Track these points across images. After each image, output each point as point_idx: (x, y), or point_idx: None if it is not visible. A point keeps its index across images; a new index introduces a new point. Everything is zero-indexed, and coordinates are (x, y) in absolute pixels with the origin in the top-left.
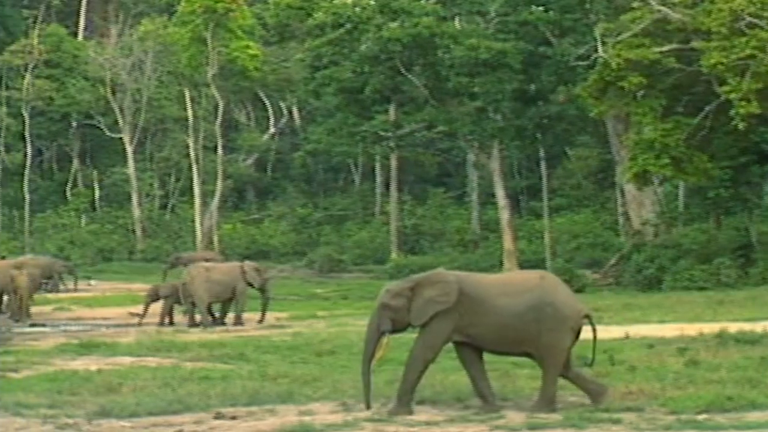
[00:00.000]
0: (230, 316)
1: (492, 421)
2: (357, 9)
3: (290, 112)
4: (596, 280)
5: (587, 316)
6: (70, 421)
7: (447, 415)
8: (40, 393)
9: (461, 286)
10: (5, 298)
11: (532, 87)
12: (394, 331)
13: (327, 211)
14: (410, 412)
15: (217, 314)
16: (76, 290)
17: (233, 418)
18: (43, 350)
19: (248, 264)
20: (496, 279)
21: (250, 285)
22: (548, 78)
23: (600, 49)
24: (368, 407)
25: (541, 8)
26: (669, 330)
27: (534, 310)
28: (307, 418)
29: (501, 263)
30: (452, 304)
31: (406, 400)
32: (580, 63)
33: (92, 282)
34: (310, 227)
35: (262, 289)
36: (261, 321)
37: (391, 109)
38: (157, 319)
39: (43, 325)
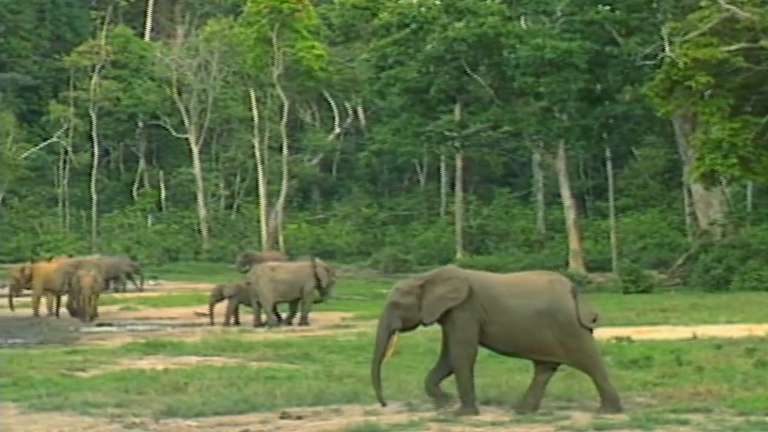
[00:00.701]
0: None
1: (558, 421)
2: (422, 9)
3: (355, 112)
4: (663, 280)
5: (595, 320)
6: (137, 420)
7: (513, 415)
8: (107, 392)
9: (472, 283)
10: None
11: (598, 87)
12: (405, 329)
13: (392, 211)
14: (476, 412)
15: (284, 314)
16: (141, 290)
17: (299, 417)
18: (110, 350)
19: (320, 263)
20: (507, 279)
21: (318, 284)
22: (614, 77)
23: (667, 48)
24: (383, 403)
25: (607, 7)
26: (737, 331)
27: (545, 315)
28: (372, 418)
29: (567, 263)
30: (463, 300)
31: (469, 400)
32: (647, 62)
33: (151, 282)
34: (375, 227)
35: (325, 290)
36: (304, 322)
37: (457, 109)
38: (222, 319)
39: (110, 325)
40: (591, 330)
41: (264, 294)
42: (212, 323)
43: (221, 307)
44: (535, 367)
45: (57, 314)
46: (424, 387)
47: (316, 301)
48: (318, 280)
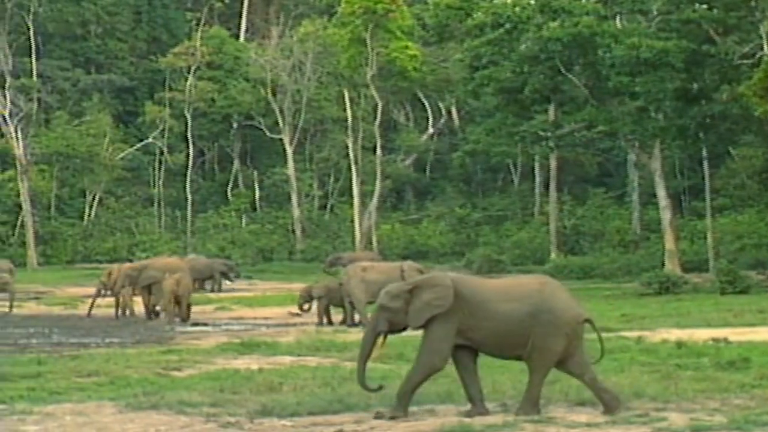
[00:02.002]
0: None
1: (654, 423)
2: (517, 9)
3: (449, 113)
4: (761, 281)
5: (588, 321)
6: (232, 419)
7: (607, 416)
8: (202, 391)
9: (459, 290)
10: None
11: (695, 86)
12: (391, 332)
13: (486, 211)
14: (406, 414)
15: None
16: (220, 290)
17: (392, 418)
18: (205, 349)
19: (408, 264)
20: (497, 284)
21: None
22: (711, 77)
23: (765, 47)
24: (369, 388)
25: (704, 6)
26: None
27: (532, 316)
28: (466, 419)
29: (662, 264)
30: (448, 308)
31: (405, 401)
32: (745, 61)
33: (228, 282)
34: (469, 227)
35: None
36: None
37: (551, 108)
38: (315, 319)
39: (205, 325)
40: (578, 332)
41: (355, 294)
42: (321, 323)
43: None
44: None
45: (151, 315)
46: (468, 399)
47: None
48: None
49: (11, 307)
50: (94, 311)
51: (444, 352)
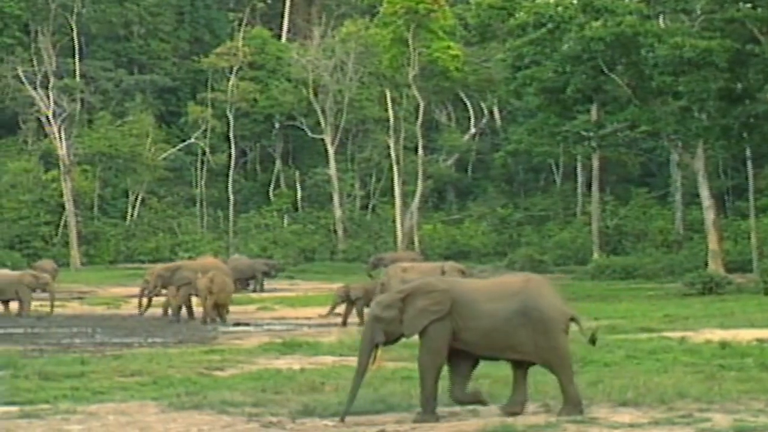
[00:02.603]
0: None
1: (698, 423)
2: (559, 8)
3: (491, 113)
4: None
5: (573, 319)
6: (274, 419)
7: (651, 417)
8: (244, 391)
9: (453, 294)
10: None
11: (739, 85)
12: (387, 342)
13: (527, 211)
14: (436, 419)
15: None
16: (262, 290)
17: (420, 421)
18: (247, 349)
19: (449, 264)
20: (484, 284)
21: None
22: (755, 76)
23: None
24: (343, 420)
25: (748, 5)
26: None
27: (520, 314)
28: (509, 419)
29: (706, 264)
30: (446, 312)
31: (430, 408)
32: None
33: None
34: (511, 227)
35: None
36: None
37: (593, 108)
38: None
39: (247, 325)
40: (566, 331)
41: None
42: (362, 323)
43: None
44: (511, 366)
45: (192, 315)
46: (453, 400)
47: None
48: None
49: (52, 307)
50: (136, 311)
51: (442, 350)
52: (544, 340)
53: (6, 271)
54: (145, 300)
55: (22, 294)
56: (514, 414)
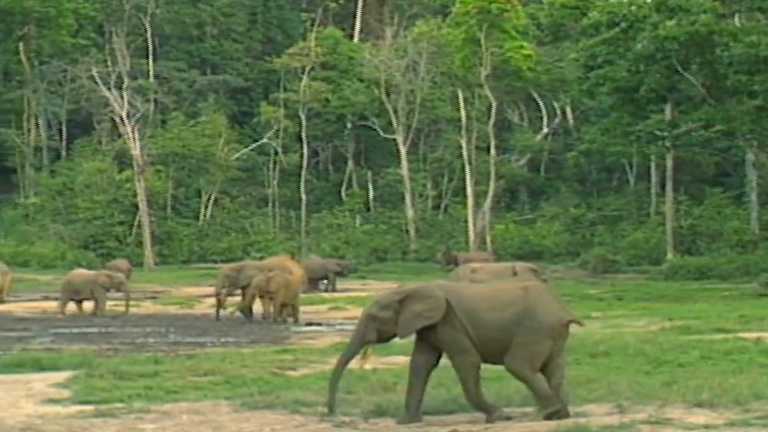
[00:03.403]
0: None
1: None
2: (633, 7)
3: (563, 112)
4: None
5: (572, 322)
6: (347, 419)
7: (726, 418)
8: (317, 391)
9: (450, 300)
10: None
11: None
12: (378, 341)
13: (600, 211)
14: (492, 413)
15: None
16: (334, 290)
17: (507, 418)
18: (319, 349)
19: (520, 265)
20: (482, 292)
21: None
22: None
23: None
24: (331, 411)
25: None
26: None
27: (516, 324)
28: (582, 420)
29: None
30: (439, 319)
31: (482, 406)
32: None
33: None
34: (584, 227)
35: None
36: None
37: (667, 108)
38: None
39: (319, 324)
40: (563, 334)
41: None
42: None
43: None
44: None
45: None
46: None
47: None
48: None
49: (127, 307)
50: (210, 311)
51: (468, 347)
52: (521, 345)
53: (82, 271)
54: (224, 299)
55: (97, 294)
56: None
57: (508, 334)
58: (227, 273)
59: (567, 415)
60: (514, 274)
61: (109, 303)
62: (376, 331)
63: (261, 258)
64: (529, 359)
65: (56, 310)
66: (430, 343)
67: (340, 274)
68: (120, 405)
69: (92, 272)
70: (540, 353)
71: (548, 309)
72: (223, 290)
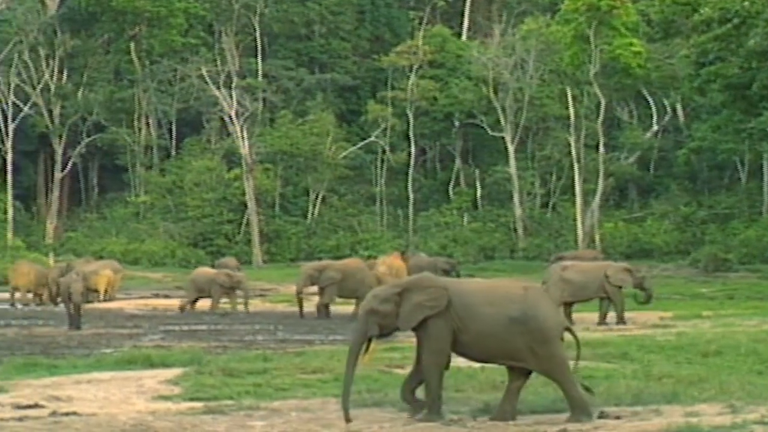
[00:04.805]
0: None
1: None
2: (745, 3)
3: (674, 110)
4: None
5: (568, 329)
6: (455, 417)
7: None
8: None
9: (451, 292)
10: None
11: None
12: (381, 335)
13: (711, 209)
14: (442, 417)
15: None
16: None
17: (617, 417)
18: None
19: (614, 265)
20: (481, 287)
21: (618, 287)
22: None
23: None
24: (347, 417)
25: None
26: None
27: (518, 322)
28: (693, 420)
29: None
30: (442, 309)
31: (436, 408)
32: None
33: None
34: (694, 226)
35: (642, 288)
36: (601, 321)
37: None
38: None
39: None
40: (561, 339)
41: (552, 293)
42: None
43: None
44: (508, 373)
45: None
46: (399, 395)
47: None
48: (615, 284)
49: (246, 305)
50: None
51: (445, 350)
52: (542, 349)
53: (205, 269)
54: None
55: (213, 292)
56: (503, 420)
57: (505, 331)
58: (309, 272)
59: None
60: (606, 278)
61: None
62: (378, 325)
63: (369, 257)
64: (555, 361)
65: (167, 307)
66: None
67: (448, 272)
68: (229, 402)
69: (213, 270)
70: (562, 354)
71: (548, 311)
72: (304, 290)
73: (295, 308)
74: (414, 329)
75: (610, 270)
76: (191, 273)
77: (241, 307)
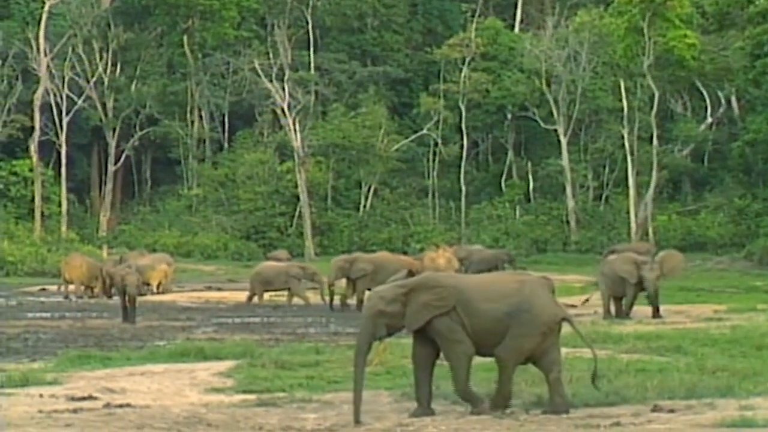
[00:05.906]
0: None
1: None
2: None
3: (728, 102)
4: None
5: (565, 319)
6: (508, 410)
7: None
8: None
9: (457, 289)
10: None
11: None
12: (388, 335)
13: (766, 202)
14: (479, 406)
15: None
16: None
17: (671, 411)
18: None
19: (639, 259)
20: (479, 282)
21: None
22: None
23: None
24: (357, 420)
25: None
26: None
27: (510, 316)
28: (748, 413)
29: None
30: (450, 308)
31: (472, 398)
32: None
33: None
34: (749, 218)
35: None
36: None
37: None
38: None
39: None
40: (554, 330)
41: (600, 286)
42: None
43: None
44: (537, 368)
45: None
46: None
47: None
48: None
49: (323, 296)
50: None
51: (463, 339)
52: (513, 340)
53: (273, 263)
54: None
55: (292, 285)
56: (556, 413)
57: (502, 326)
58: (340, 265)
59: (566, 411)
60: (637, 266)
61: (269, 294)
62: (386, 326)
63: (421, 249)
64: (517, 352)
65: (220, 299)
66: (428, 334)
67: (510, 264)
68: (282, 394)
69: (284, 264)
70: (527, 349)
71: (543, 304)
72: (335, 282)
73: (348, 301)
74: (418, 330)
75: (638, 261)
76: (256, 266)
77: (314, 299)
